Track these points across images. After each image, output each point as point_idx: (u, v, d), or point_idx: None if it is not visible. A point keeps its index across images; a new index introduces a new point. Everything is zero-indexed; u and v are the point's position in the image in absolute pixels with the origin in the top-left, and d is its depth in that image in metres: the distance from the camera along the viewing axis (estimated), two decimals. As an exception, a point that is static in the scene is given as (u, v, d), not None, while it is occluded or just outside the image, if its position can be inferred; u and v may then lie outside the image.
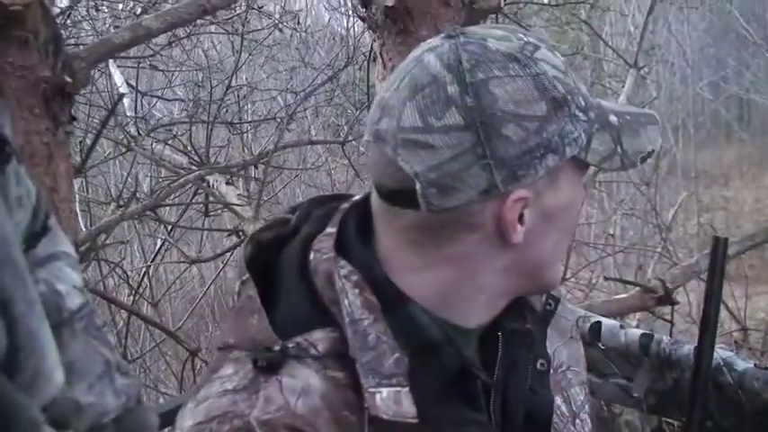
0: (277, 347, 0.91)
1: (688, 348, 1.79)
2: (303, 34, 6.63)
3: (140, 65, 5.65)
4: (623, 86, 5.53)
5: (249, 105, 6.61)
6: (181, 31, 5.43)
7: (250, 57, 5.93)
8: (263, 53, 6.82)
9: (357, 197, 1.05)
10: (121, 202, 3.97)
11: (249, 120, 6.07)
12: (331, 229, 0.99)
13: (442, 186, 0.90)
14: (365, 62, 5.10)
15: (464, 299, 0.98)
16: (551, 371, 1.09)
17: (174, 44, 5.36)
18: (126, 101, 5.49)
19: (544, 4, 6.30)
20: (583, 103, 0.95)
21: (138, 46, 5.51)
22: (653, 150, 0.99)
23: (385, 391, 0.90)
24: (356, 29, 5.90)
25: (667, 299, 2.94)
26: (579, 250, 6.03)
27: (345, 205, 1.03)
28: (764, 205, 20.44)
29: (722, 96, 20.70)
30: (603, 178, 6.30)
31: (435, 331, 0.95)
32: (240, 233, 4.28)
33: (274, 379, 0.90)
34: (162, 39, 5.62)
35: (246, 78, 6.69)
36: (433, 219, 0.93)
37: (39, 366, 0.74)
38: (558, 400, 1.10)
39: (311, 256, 0.97)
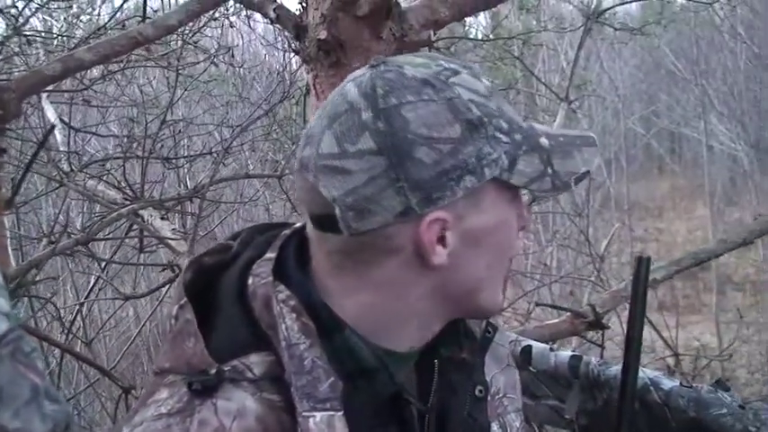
0: (213, 371, 0.91)
1: (616, 369, 1.82)
2: (240, 69, 6.63)
3: (73, 100, 5.59)
4: (555, 120, 5.64)
5: (185, 141, 6.59)
6: (115, 66, 5.39)
7: (186, 92, 5.90)
8: (199, 89, 6.81)
9: (298, 224, 1.06)
10: (53, 238, 3.91)
11: (185, 155, 6.03)
12: (270, 255, 1.00)
13: (359, 210, 0.92)
14: (302, 97, 5.14)
15: (393, 323, 0.99)
16: (488, 398, 1.11)
17: (107, 78, 5.30)
18: (59, 137, 5.42)
19: (476, 40, 6.42)
20: (505, 126, 0.96)
21: (72, 81, 5.51)
22: (587, 171, 1.00)
23: (318, 416, 0.91)
24: (293, 64, 5.92)
25: (597, 323, 2.99)
26: (516, 281, 6.11)
27: (286, 232, 1.05)
28: (697, 236, 20.88)
29: (653, 130, 21.23)
30: (539, 209, 6.39)
31: (368, 356, 0.96)
32: (175, 268, 4.22)
33: (209, 402, 0.90)
34: (96, 73, 5.61)
35: (182, 114, 6.66)
36: (354, 242, 0.95)
37: None
38: (495, 427, 1.13)
39: (250, 280, 0.98)
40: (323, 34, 2.80)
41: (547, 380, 1.80)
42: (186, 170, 6.16)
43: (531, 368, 1.80)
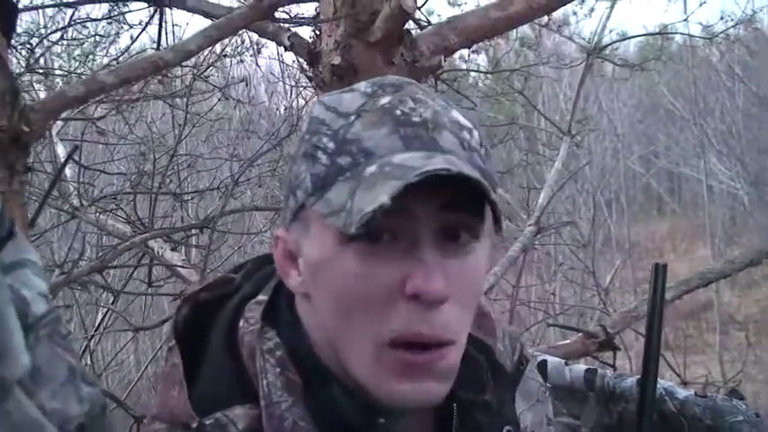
0: (194, 425, 0.86)
1: (631, 381, 1.85)
2: (247, 106, 6.73)
3: (84, 137, 5.68)
4: (558, 154, 5.69)
5: (193, 176, 6.65)
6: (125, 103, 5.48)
7: (194, 128, 5.98)
8: (207, 126, 6.90)
9: None
10: (65, 269, 3.95)
11: (193, 190, 6.09)
12: (262, 297, 0.95)
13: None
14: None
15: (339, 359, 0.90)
16: None
17: (119, 110, 5.38)
18: (68, 173, 5.49)
19: (481, 72, 6.52)
20: (331, 146, 0.85)
21: (82, 116, 5.60)
22: (377, 208, 0.78)
23: None
24: (299, 100, 6.01)
25: (609, 343, 3.03)
26: (519, 315, 6.14)
27: None
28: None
29: (653, 170, 21.33)
30: (539, 242, 6.44)
31: (356, 416, 0.88)
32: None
33: None
34: (102, 110, 5.69)
35: (190, 150, 6.72)
36: None
37: (5, 345, 0.76)
38: None
39: (241, 323, 0.93)
40: (336, 60, 2.88)
41: (562, 395, 1.82)
42: (195, 205, 6.21)
43: (547, 384, 1.83)
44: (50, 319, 1.06)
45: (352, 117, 0.85)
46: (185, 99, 5.54)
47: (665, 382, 1.75)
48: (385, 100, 0.86)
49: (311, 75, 3.01)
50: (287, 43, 3.07)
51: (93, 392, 1.10)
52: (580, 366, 1.91)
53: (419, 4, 4.38)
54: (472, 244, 0.86)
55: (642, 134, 21.75)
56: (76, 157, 5.57)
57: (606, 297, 5.86)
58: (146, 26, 4.29)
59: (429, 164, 0.80)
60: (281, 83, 6.02)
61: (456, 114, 0.89)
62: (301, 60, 3.17)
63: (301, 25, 3.27)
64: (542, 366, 1.85)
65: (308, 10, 3.65)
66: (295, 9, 3.71)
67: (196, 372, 0.91)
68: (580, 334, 3.09)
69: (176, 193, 5.60)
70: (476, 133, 0.89)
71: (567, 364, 1.93)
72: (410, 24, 3.07)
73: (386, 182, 0.79)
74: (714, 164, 18.30)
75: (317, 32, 3.01)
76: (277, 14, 3.21)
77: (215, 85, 5.58)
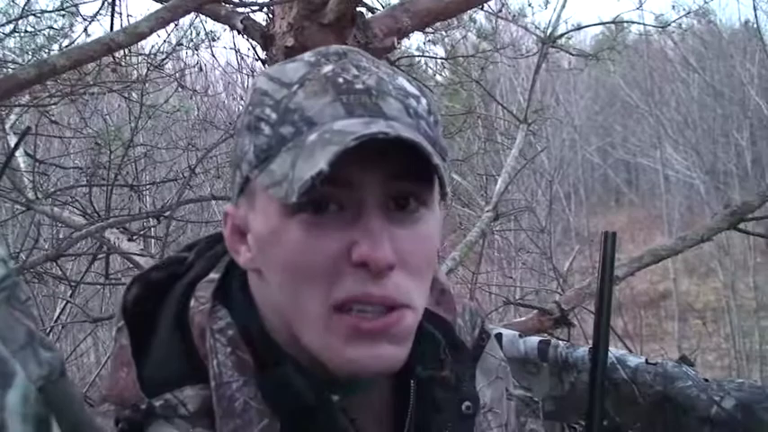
0: (143, 405, 0.85)
1: (583, 350, 1.87)
2: (203, 96, 6.69)
3: (37, 131, 5.61)
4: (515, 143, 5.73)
5: (150, 168, 6.61)
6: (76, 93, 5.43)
7: (150, 119, 5.94)
8: (163, 120, 6.86)
9: None
10: (20, 260, 3.91)
11: (150, 182, 6.05)
12: (214, 275, 0.93)
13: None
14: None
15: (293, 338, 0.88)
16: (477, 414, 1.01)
17: (71, 100, 5.33)
18: (23, 166, 5.44)
19: (437, 58, 6.56)
20: (273, 117, 0.83)
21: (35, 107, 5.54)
22: (315, 176, 0.76)
23: None
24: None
25: (563, 320, 3.07)
26: (480, 301, 6.19)
27: None
28: (656, 266, 21.12)
29: (610, 161, 21.56)
30: (499, 227, 6.48)
31: (308, 394, 0.86)
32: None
33: None
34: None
35: (148, 145, 6.68)
36: None
37: None
38: None
39: (192, 302, 0.91)
40: (290, 42, 2.88)
41: (516, 367, 1.84)
42: (152, 197, 6.18)
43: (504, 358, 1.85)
44: (9, 284, 1.05)
45: (295, 86, 0.83)
46: (140, 90, 5.50)
47: (617, 350, 1.77)
48: (328, 68, 0.85)
49: (264, 58, 3.01)
50: (240, 26, 3.06)
51: (52, 357, 1.09)
52: (533, 338, 1.94)
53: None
54: (421, 212, 0.85)
55: (599, 126, 21.96)
56: (31, 151, 5.53)
57: (564, 284, 5.92)
58: (96, 14, 4.25)
59: (368, 129, 0.78)
60: (237, 74, 5.98)
61: (402, 81, 0.87)
62: (255, 44, 3.16)
63: (253, 7, 3.26)
64: (497, 339, 1.88)
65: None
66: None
67: (146, 352, 0.89)
68: (535, 311, 3.13)
69: (132, 185, 5.56)
70: (423, 100, 0.87)
71: (520, 336, 1.96)
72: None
73: (324, 148, 0.77)
74: (670, 154, 18.54)
75: (271, 15, 3.01)
76: (230, -1, 3.20)
77: (169, 74, 5.53)
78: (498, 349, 1.13)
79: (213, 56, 6.46)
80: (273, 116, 0.82)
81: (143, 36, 2.66)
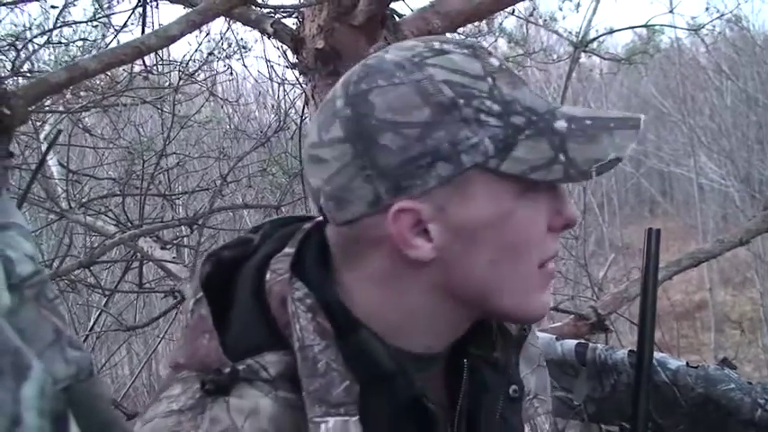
0: (227, 369, 0.88)
1: (622, 353, 1.84)
2: (235, 105, 6.71)
3: (71, 141, 5.66)
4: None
5: (182, 178, 6.64)
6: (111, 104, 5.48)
7: (182, 129, 5.97)
8: (196, 131, 6.90)
9: (320, 218, 1.00)
10: (53, 267, 3.93)
11: (182, 192, 6.08)
12: (289, 249, 0.96)
13: (337, 199, 0.90)
14: (297, 130, 5.20)
15: (400, 321, 0.94)
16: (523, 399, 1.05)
17: (104, 111, 5.37)
18: (56, 175, 5.49)
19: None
20: (496, 108, 0.88)
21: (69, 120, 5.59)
22: (616, 158, 0.89)
23: (332, 421, 0.87)
24: (287, 100, 6.00)
25: (600, 325, 3.01)
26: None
27: (308, 225, 1.00)
28: (692, 276, 20.92)
29: (642, 169, 21.36)
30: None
31: (385, 360, 0.91)
32: (177, 294, 4.25)
33: (221, 400, 0.88)
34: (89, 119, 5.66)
35: (180, 154, 6.72)
36: (343, 234, 0.93)
37: None
38: (526, 429, 1.09)
39: (268, 276, 0.94)
40: (320, 44, 2.87)
41: (554, 370, 1.81)
42: (185, 206, 6.20)
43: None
44: (37, 281, 1.04)
45: (489, 79, 0.89)
46: (172, 100, 5.53)
47: (657, 353, 1.74)
48: (495, 61, 0.91)
49: (295, 62, 3.01)
50: (270, 30, 3.05)
51: (80, 356, 1.07)
52: (570, 341, 1.91)
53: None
54: None
55: (632, 135, 21.77)
56: (64, 162, 5.58)
57: (600, 292, 5.86)
58: (125, 23, 4.28)
59: (619, 115, 0.94)
60: (268, 81, 6.00)
61: None
62: (285, 50, 3.16)
63: (284, 11, 3.26)
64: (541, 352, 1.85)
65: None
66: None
67: (223, 324, 0.92)
68: (572, 316, 3.08)
69: (165, 194, 5.59)
70: None
71: (557, 338, 1.92)
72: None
73: (610, 134, 0.89)
74: (704, 162, 18.34)
75: (301, 18, 3.00)
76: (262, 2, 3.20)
77: (201, 83, 5.56)
78: (537, 341, 1.18)
79: (245, 66, 6.46)
80: (496, 108, 0.87)
81: (174, 39, 2.66)
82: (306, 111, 3.10)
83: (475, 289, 0.92)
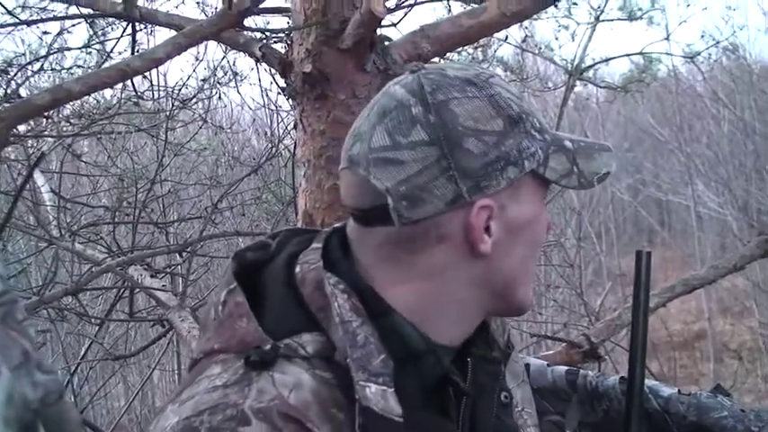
0: (268, 346, 0.94)
1: (613, 379, 1.80)
2: (229, 133, 6.70)
3: (62, 170, 5.64)
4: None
5: (175, 206, 6.61)
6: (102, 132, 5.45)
7: (176, 156, 5.95)
8: (191, 159, 6.88)
9: (336, 225, 1.11)
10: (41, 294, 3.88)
11: (174, 219, 6.04)
12: (317, 245, 1.05)
13: (412, 198, 0.97)
14: (290, 158, 5.18)
15: (439, 312, 1.02)
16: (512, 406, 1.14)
17: (97, 137, 5.35)
18: (47, 201, 5.45)
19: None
20: (538, 125, 1.03)
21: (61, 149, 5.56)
22: (608, 172, 1.07)
23: (374, 387, 0.93)
24: (280, 129, 5.98)
25: (593, 353, 2.97)
26: (513, 334, 6.07)
27: (326, 230, 1.09)
28: (691, 306, 20.84)
29: (640, 197, 21.37)
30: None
31: (417, 339, 0.99)
32: (165, 323, 4.19)
33: (266, 374, 0.92)
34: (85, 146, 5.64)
35: (172, 181, 6.69)
36: (405, 232, 0.99)
37: None
38: None
39: (297, 268, 1.02)
40: (308, 68, 2.84)
41: (547, 396, 1.78)
42: (177, 235, 6.16)
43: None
44: (5, 301, 1.00)
45: (524, 102, 1.04)
46: (165, 127, 5.51)
47: (649, 380, 1.70)
48: (508, 85, 1.06)
49: (283, 86, 2.98)
50: (258, 54, 3.03)
51: (48, 380, 1.04)
52: (561, 368, 1.87)
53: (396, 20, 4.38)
54: None
55: (629, 163, 21.82)
56: (56, 189, 5.54)
57: (596, 321, 5.81)
58: (116, 43, 4.27)
59: (596, 141, 1.14)
60: (262, 109, 5.99)
61: None
62: (275, 73, 3.13)
63: (272, 35, 3.24)
64: (525, 368, 1.81)
65: (282, 23, 3.64)
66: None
67: (256, 313, 0.98)
68: (564, 344, 3.03)
69: (157, 222, 5.55)
70: None
71: (548, 365, 1.88)
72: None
73: (599, 153, 1.08)
74: (702, 191, 18.35)
75: (289, 42, 2.98)
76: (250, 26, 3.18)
77: (193, 110, 5.54)
78: (520, 359, 1.27)
79: (239, 93, 6.45)
80: (538, 124, 1.03)
81: (160, 62, 2.63)
82: (294, 134, 3.06)
83: (507, 280, 1.04)
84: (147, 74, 5.35)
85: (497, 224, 1.01)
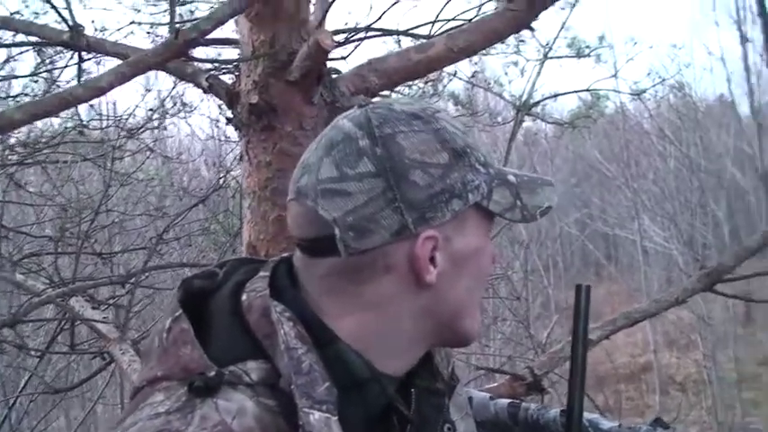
0: (212, 373, 0.93)
1: (554, 412, 1.80)
2: (176, 163, 6.64)
3: (5, 199, 5.53)
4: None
5: (122, 236, 6.51)
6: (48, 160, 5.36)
7: (122, 186, 5.87)
8: (139, 188, 6.80)
9: (284, 255, 1.11)
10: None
11: (118, 250, 5.95)
12: (264, 273, 1.05)
13: (359, 229, 0.98)
14: (238, 190, 5.14)
15: (384, 342, 1.02)
16: None
17: (41, 166, 5.26)
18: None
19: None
20: (482, 159, 1.05)
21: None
22: (550, 206, 1.09)
23: (317, 414, 0.94)
24: (229, 160, 5.94)
25: (536, 385, 2.97)
26: (459, 367, 6.06)
27: (274, 259, 1.09)
28: (637, 339, 21.05)
29: (587, 231, 21.61)
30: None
31: (362, 369, 1.00)
32: (106, 355, 4.11)
33: (210, 400, 0.92)
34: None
35: (117, 211, 6.60)
36: (352, 263, 1.00)
37: None
38: None
39: (244, 296, 1.01)
40: (255, 99, 2.83)
41: (490, 428, 1.78)
42: (119, 265, 6.07)
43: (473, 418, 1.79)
44: None
45: (469, 136, 1.06)
46: (111, 156, 5.45)
47: (589, 414, 1.70)
48: (454, 119, 1.08)
49: (230, 117, 2.96)
50: (205, 84, 3.01)
51: None
52: (504, 400, 1.88)
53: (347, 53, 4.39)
54: None
55: (577, 198, 22.09)
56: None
57: (542, 353, 5.82)
58: (61, 72, 4.21)
59: (539, 176, 1.14)
60: (212, 140, 5.96)
61: None
62: (221, 103, 3.11)
63: (221, 66, 3.22)
64: (469, 401, 1.81)
65: (233, 55, 3.63)
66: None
67: (202, 339, 0.97)
68: (508, 377, 3.03)
69: (101, 253, 5.46)
70: None
71: (491, 398, 1.88)
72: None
73: (542, 188, 1.09)
74: (648, 226, 18.62)
75: (237, 73, 2.97)
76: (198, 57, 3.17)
77: (140, 139, 5.48)
78: (464, 392, 1.27)
79: (188, 123, 6.41)
80: (482, 158, 1.04)
81: (102, 91, 2.60)
82: (240, 166, 3.04)
83: (453, 311, 1.05)
84: (94, 103, 5.31)
85: (442, 255, 1.02)
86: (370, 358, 1.01)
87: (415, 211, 0.98)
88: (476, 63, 6.49)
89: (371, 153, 0.99)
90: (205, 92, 3.11)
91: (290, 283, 1.04)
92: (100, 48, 3.40)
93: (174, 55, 2.66)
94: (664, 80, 6.97)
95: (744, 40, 17.77)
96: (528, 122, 7.48)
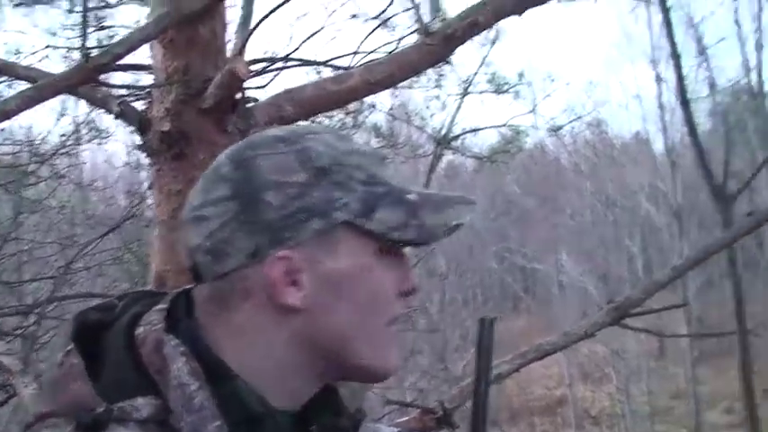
0: (101, 409, 0.90)
1: (462, 450, 1.80)
2: (88, 191, 6.50)
3: None
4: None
5: (28, 266, 6.33)
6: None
7: (33, 214, 5.72)
8: (50, 216, 6.63)
9: (186, 286, 1.07)
10: None
11: (26, 279, 5.78)
12: (162, 306, 1.01)
13: (215, 253, 0.97)
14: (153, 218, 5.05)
15: (266, 373, 0.99)
16: None
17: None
18: None
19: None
20: (362, 177, 1.00)
21: None
22: (459, 224, 1.03)
23: None
24: (144, 186, 5.84)
25: (446, 419, 2.96)
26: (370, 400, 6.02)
27: (175, 291, 1.06)
28: (554, 372, 21.31)
29: (505, 264, 21.86)
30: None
31: (256, 404, 0.96)
32: (8, 388, 3.97)
33: None
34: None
35: (27, 240, 6.42)
36: (218, 288, 0.98)
37: None
38: None
39: (139, 330, 0.98)
40: (166, 126, 2.79)
41: None
42: (29, 295, 5.89)
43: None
44: None
45: (357, 156, 1.01)
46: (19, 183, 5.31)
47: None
48: (360, 145, 1.05)
49: (141, 144, 2.91)
50: (116, 110, 2.95)
51: None
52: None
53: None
54: None
55: (496, 232, 22.36)
56: None
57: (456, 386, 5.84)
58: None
59: (459, 195, 1.07)
60: (127, 167, 5.85)
61: None
62: (132, 129, 3.06)
63: (134, 92, 3.17)
64: (375, 438, 1.79)
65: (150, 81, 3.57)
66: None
67: (93, 374, 0.94)
68: (419, 410, 3.02)
69: (8, 281, 5.31)
70: None
71: (399, 434, 1.87)
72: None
73: (455, 206, 1.02)
74: (565, 260, 18.93)
75: (150, 100, 2.92)
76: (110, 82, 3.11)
77: (50, 165, 5.35)
78: (374, 427, 1.20)
79: (105, 149, 6.29)
80: (362, 176, 0.99)
81: (9, 115, 2.54)
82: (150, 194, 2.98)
83: (335, 339, 0.99)
84: (4, 126, 5.17)
85: (309, 277, 0.97)
86: (262, 391, 0.98)
87: (268, 233, 0.96)
88: (397, 96, 6.55)
89: (230, 177, 0.98)
90: (116, 118, 3.04)
91: (187, 315, 1.01)
92: (11, 71, 3.31)
93: (84, 79, 2.61)
94: (580, 117, 7.12)
95: (658, 78, 18.34)
96: (449, 155, 7.53)
